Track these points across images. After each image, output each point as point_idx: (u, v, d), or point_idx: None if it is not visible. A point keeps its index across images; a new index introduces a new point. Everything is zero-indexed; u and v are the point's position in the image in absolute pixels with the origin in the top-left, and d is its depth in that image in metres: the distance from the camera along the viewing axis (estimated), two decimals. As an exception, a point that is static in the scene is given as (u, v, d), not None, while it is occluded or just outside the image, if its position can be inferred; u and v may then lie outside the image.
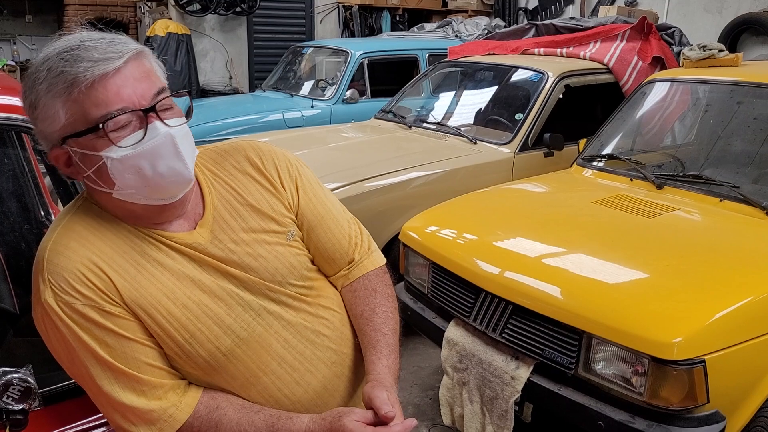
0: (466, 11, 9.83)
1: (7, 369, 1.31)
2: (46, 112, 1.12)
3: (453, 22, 8.79)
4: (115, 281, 1.16)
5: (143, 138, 1.11)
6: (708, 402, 2.07)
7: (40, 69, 1.11)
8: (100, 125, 1.09)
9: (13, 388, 1.29)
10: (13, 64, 9.27)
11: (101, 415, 1.36)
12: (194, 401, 1.22)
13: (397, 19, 10.17)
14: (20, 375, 1.31)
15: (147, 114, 1.12)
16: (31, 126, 1.17)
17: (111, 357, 1.15)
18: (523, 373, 2.39)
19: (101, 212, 1.22)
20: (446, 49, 6.25)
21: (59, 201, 2.40)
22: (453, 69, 5.47)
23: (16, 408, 1.29)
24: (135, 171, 1.12)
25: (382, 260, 1.51)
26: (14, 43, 9.63)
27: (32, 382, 1.31)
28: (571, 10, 9.01)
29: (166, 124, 1.13)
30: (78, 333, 1.14)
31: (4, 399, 1.29)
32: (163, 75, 1.21)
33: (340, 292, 1.44)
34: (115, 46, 1.12)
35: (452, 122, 4.79)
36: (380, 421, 1.19)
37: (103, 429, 1.41)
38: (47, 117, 1.12)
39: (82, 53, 1.09)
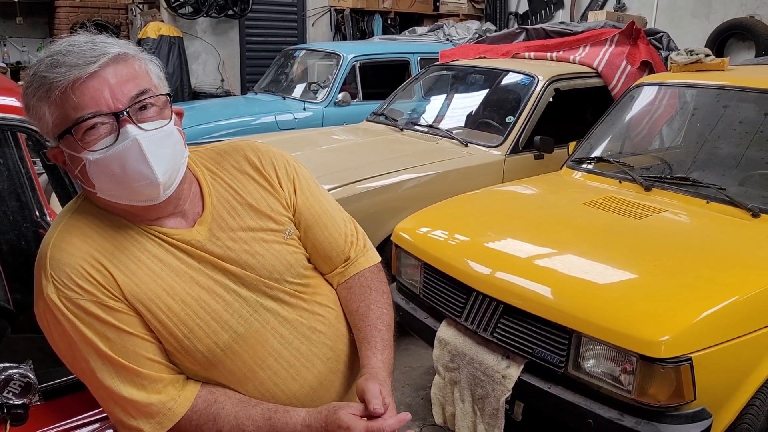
0: (457, 15, 9.87)
1: (7, 365, 1.33)
2: (37, 114, 1.15)
3: (444, 25, 8.83)
4: (115, 276, 1.19)
5: (115, 142, 1.13)
6: (695, 399, 2.10)
7: (30, 73, 1.15)
8: (71, 129, 1.12)
9: (14, 384, 1.31)
10: (4, 65, 9.23)
11: (100, 409, 1.38)
12: (192, 395, 1.24)
13: (389, 22, 10.20)
14: (20, 370, 1.33)
15: (120, 118, 1.13)
16: (28, 126, 1.20)
17: (112, 351, 1.17)
18: (514, 371, 2.42)
19: (101, 209, 1.25)
20: (437, 52, 6.27)
21: (52, 199, 2.42)
22: (444, 72, 5.51)
23: (16, 403, 1.30)
24: (108, 174, 1.14)
25: (377, 258, 1.54)
26: (5, 45, 9.59)
27: (32, 377, 1.33)
28: (561, 15, 9.06)
29: (139, 127, 1.14)
30: (79, 327, 1.16)
31: (5, 394, 1.31)
32: (158, 77, 1.22)
33: (335, 290, 1.47)
34: (95, 50, 1.13)
35: (444, 125, 4.82)
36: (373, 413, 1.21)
37: (102, 424, 1.43)
38: (38, 119, 1.16)
39: (61, 58, 1.11)
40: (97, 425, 1.43)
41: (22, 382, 1.32)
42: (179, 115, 1.26)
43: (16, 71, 9.34)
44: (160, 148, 1.16)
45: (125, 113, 1.13)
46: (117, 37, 1.22)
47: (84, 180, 1.18)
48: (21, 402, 1.31)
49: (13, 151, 2.30)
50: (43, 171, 2.46)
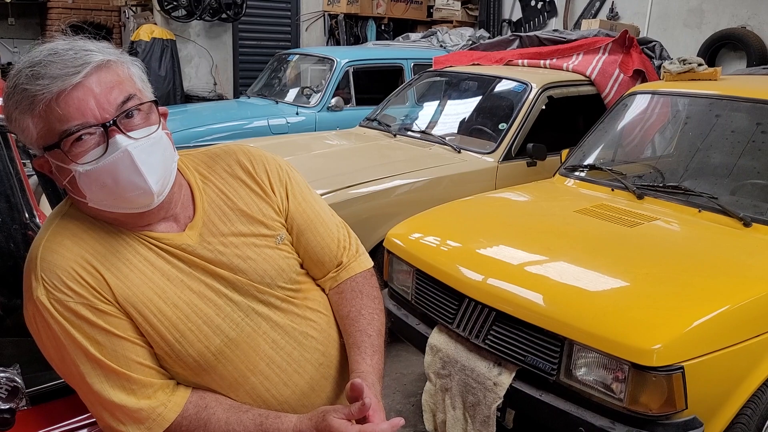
0: (451, 22, 9.89)
1: (-6, 368, 1.31)
2: (20, 125, 1.13)
3: (438, 32, 8.85)
4: (107, 279, 1.17)
5: (104, 153, 1.11)
6: (686, 408, 2.10)
7: (10, 84, 1.13)
8: (60, 143, 1.10)
9: (0, 388, 1.29)
10: (-5, 66, 9.20)
11: (88, 414, 1.36)
12: (183, 400, 1.23)
13: (383, 28, 10.22)
14: (7, 374, 1.31)
15: (108, 128, 1.11)
16: None
17: (102, 355, 1.16)
18: (506, 379, 2.41)
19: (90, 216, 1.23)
20: (431, 58, 6.30)
21: (42, 201, 2.39)
22: (438, 78, 5.51)
23: (2, 407, 1.28)
24: (99, 185, 1.13)
25: (370, 263, 1.53)
26: (-5, 46, 9.56)
27: (19, 381, 1.31)
28: (555, 23, 9.10)
29: (128, 136, 1.12)
30: (69, 330, 1.14)
31: (-9, 398, 1.29)
32: (141, 79, 1.20)
33: (327, 295, 1.46)
34: (77, 59, 1.11)
35: (437, 131, 4.82)
36: (364, 417, 1.20)
37: (90, 429, 1.41)
38: (21, 130, 1.14)
39: (42, 69, 1.09)
40: (85, 430, 1.41)
41: (8, 386, 1.30)
42: (164, 116, 1.25)
43: (6, 72, 9.28)
44: (150, 157, 1.15)
45: (113, 123, 1.11)
46: (98, 39, 1.19)
47: (73, 190, 1.16)
48: (7, 407, 1.29)
49: (3, 151, 2.27)
50: (33, 173, 2.44)
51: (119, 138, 1.11)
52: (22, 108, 1.11)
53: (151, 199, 1.17)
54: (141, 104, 1.17)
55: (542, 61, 5.25)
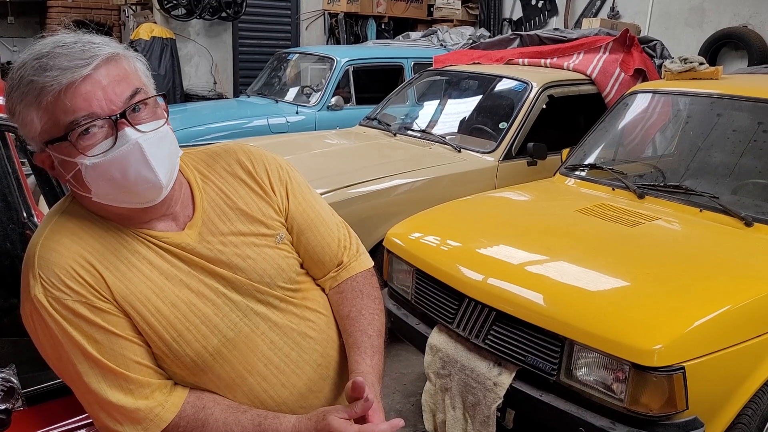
0: (451, 21, 9.89)
1: (-10, 369, 1.30)
2: (23, 118, 1.12)
3: (438, 31, 8.85)
4: (105, 277, 1.16)
5: (113, 146, 1.11)
6: (687, 408, 2.10)
7: (15, 76, 1.11)
8: (68, 135, 1.09)
9: (-4, 388, 1.29)
10: (-6, 65, 9.18)
11: (85, 415, 1.36)
12: (180, 401, 1.22)
13: (383, 27, 10.21)
14: (3, 375, 1.30)
15: (117, 121, 1.11)
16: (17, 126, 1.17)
17: (99, 354, 1.15)
18: (506, 379, 2.40)
19: (91, 212, 1.22)
20: (431, 57, 6.29)
21: (40, 201, 2.38)
22: (438, 78, 5.50)
23: (-1, 407, 1.28)
24: (107, 178, 1.12)
25: (370, 263, 1.52)
26: (-5, 44, 9.55)
27: (15, 382, 1.31)
28: (555, 22, 9.10)
29: (137, 129, 1.12)
30: (67, 329, 1.13)
31: (-13, 399, 1.28)
32: (145, 74, 1.20)
33: (327, 294, 1.45)
34: (85, 51, 1.10)
35: (437, 130, 4.81)
36: (363, 417, 1.20)
37: (87, 430, 1.40)
38: (25, 124, 1.13)
39: (50, 61, 1.08)
40: (82, 431, 1.40)
41: (4, 386, 1.29)
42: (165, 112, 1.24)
43: (6, 71, 9.26)
44: (159, 150, 1.14)
45: (121, 116, 1.10)
46: (101, 35, 1.18)
47: (78, 185, 1.15)
48: (3, 407, 1.28)
49: (1, 150, 2.26)
50: (31, 172, 2.43)
51: (128, 131, 1.11)
52: (28, 101, 1.09)
53: (159, 193, 1.16)
54: (147, 98, 1.16)
55: (543, 60, 5.23)
